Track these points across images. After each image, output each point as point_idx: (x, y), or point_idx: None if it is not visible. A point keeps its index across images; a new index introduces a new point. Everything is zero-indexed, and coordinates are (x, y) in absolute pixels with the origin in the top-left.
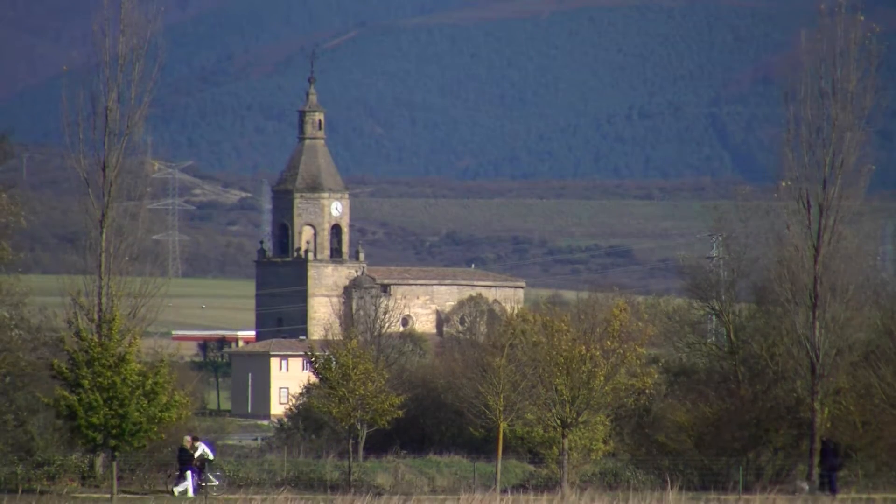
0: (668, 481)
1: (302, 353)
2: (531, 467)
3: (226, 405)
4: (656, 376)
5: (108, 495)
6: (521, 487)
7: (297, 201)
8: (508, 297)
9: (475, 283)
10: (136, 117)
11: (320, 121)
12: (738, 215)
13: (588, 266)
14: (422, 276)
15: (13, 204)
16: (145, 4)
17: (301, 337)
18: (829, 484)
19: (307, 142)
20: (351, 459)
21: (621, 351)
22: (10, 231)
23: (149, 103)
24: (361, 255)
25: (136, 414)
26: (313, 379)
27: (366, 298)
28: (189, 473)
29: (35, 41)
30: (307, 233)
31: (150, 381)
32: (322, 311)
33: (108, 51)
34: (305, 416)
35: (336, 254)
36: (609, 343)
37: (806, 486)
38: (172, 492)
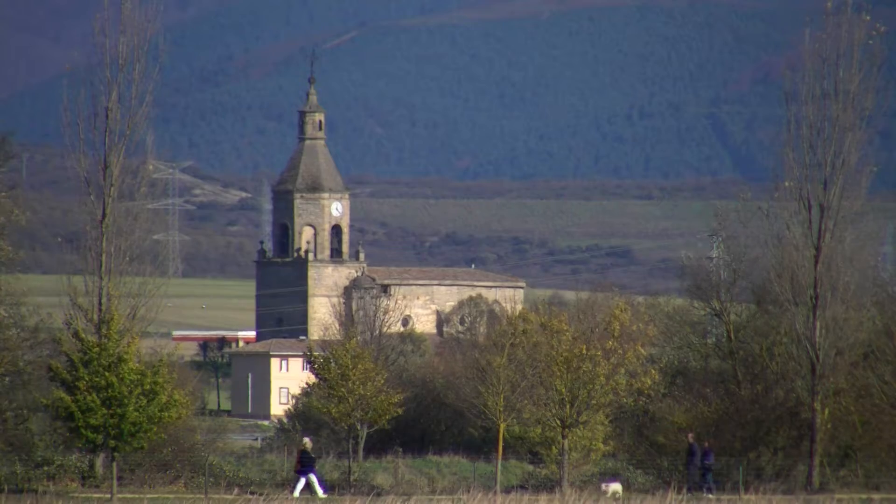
0: (668, 481)
1: (302, 353)
2: (531, 467)
3: (226, 405)
4: (657, 377)
5: (108, 495)
6: (520, 487)
7: (298, 201)
8: (508, 297)
9: (475, 283)
10: (137, 117)
11: (320, 121)
12: (738, 217)
13: (588, 266)
14: (422, 276)
15: (14, 204)
16: (145, 4)
17: (301, 337)
18: (703, 484)
19: (307, 142)
20: (351, 459)
21: (621, 351)
22: (7, 231)
23: (150, 103)
24: (361, 256)
25: (135, 414)
26: (313, 379)
27: (366, 298)
28: (312, 475)
29: (35, 41)
30: (307, 233)
31: (148, 381)
32: (322, 312)
33: (109, 51)
34: (305, 417)
35: (336, 254)
36: (609, 343)
37: (610, 489)
38: (293, 493)
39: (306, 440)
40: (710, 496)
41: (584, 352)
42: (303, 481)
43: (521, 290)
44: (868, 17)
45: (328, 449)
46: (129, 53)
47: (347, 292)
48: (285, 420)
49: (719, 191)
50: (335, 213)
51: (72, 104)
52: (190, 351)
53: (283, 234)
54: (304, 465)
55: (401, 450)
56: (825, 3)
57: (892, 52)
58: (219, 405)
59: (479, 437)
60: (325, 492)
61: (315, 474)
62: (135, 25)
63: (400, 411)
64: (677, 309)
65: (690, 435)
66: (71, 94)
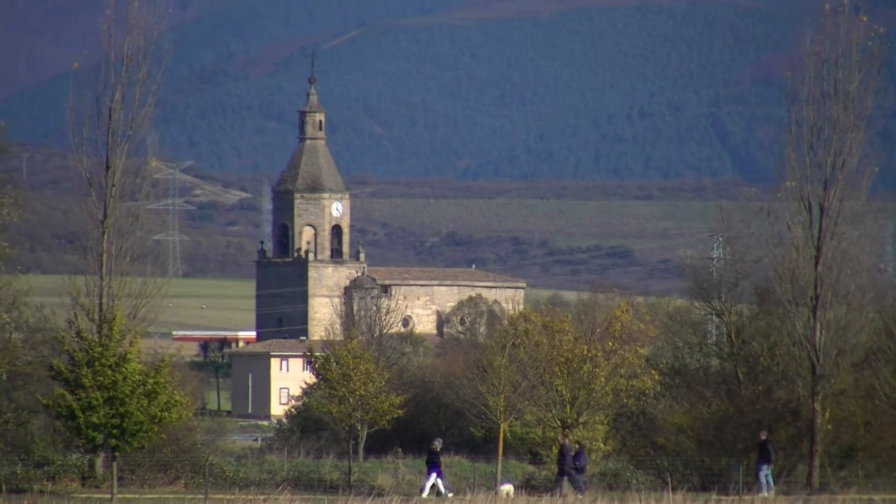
0: (668, 482)
1: (302, 353)
2: (531, 467)
3: (226, 405)
4: (657, 377)
5: (108, 495)
6: (520, 487)
7: (298, 201)
8: (508, 297)
9: (475, 283)
10: (141, 118)
11: (321, 121)
12: (741, 217)
13: (588, 266)
14: (422, 276)
15: (10, 199)
16: (151, 4)
17: (301, 337)
18: (574, 484)
19: (307, 142)
20: (351, 460)
21: (622, 352)
22: (2, 228)
23: (154, 104)
24: (362, 256)
25: (138, 413)
26: (313, 379)
27: (366, 299)
28: (434, 475)
29: (35, 41)
30: (307, 233)
31: (151, 382)
32: (322, 312)
33: (114, 51)
34: (305, 417)
35: (336, 254)
36: (610, 344)
37: (502, 490)
38: (422, 493)
39: (439, 439)
40: (580, 496)
41: (585, 353)
42: (432, 479)
43: (521, 291)
44: (865, 18)
45: (328, 449)
46: (135, 54)
47: (348, 292)
48: (285, 420)
49: (719, 191)
50: (335, 213)
51: (75, 104)
52: (190, 351)
53: (284, 234)
54: (430, 464)
55: (401, 450)
56: (823, 3)
57: (892, 53)
58: (219, 405)
59: (480, 437)
60: (429, 487)
61: (439, 474)
62: (140, 26)
63: (401, 413)
64: (678, 309)
65: (561, 436)
66: (74, 93)
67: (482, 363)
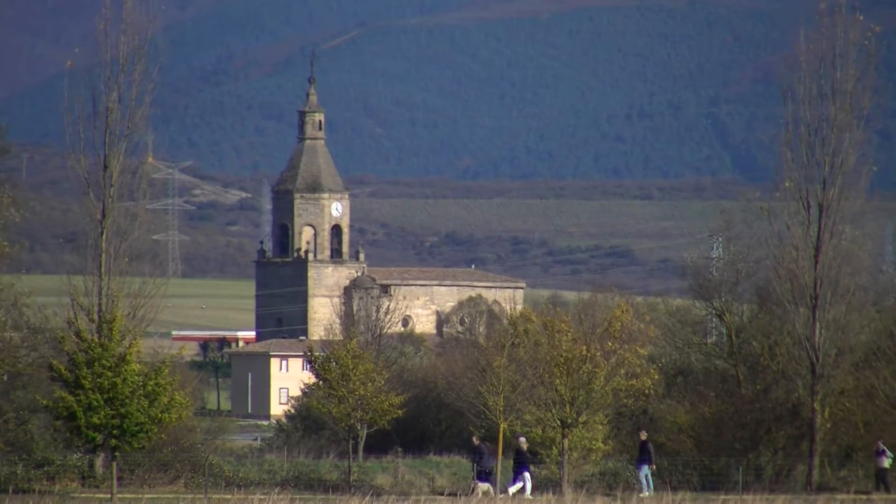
0: (668, 482)
1: (302, 353)
2: (531, 467)
3: (226, 405)
4: (657, 377)
5: (108, 495)
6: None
7: (298, 201)
8: (508, 297)
9: (475, 283)
10: (137, 117)
11: (320, 121)
12: (742, 217)
13: (588, 266)
14: (422, 276)
15: (9, 199)
16: (146, 4)
17: (301, 337)
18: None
19: (307, 142)
20: (350, 460)
21: (622, 352)
22: (2, 225)
23: (150, 103)
24: (361, 256)
25: (138, 415)
26: (313, 379)
27: (366, 299)
28: (527, 475)
29: (35, 41)
30: (307, 233)
31: (151, 384)
32: (322, 312)
33: (110, 51)
34: (305, 417)
35: (336, 254)
36: (610, 344)
37: (480, 488)
38: (507, 491)
39: (522, 439)
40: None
41: (585, 353)
42: (520, 482)
43: (521, 291)
44: (861, 17)
45: (328, 449)
46: (130, 53)
47: (347, 292)
48: (284, 420)
49: (719, 191)
50: (335, 213)
51: (72, 104)
52: (190, 351)
53: (283, 234)
54: (519, 464)
55: (401, 450)
56: (820, 2)
57: (889, 52)
58: (219, 405)
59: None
60: (513, 490)
61: (529, 472)
62: (136, 25)
63: (400, 412)
64: (678, 309)
65: (475, 437)
66: (71, 93)
67: (482, 363)
